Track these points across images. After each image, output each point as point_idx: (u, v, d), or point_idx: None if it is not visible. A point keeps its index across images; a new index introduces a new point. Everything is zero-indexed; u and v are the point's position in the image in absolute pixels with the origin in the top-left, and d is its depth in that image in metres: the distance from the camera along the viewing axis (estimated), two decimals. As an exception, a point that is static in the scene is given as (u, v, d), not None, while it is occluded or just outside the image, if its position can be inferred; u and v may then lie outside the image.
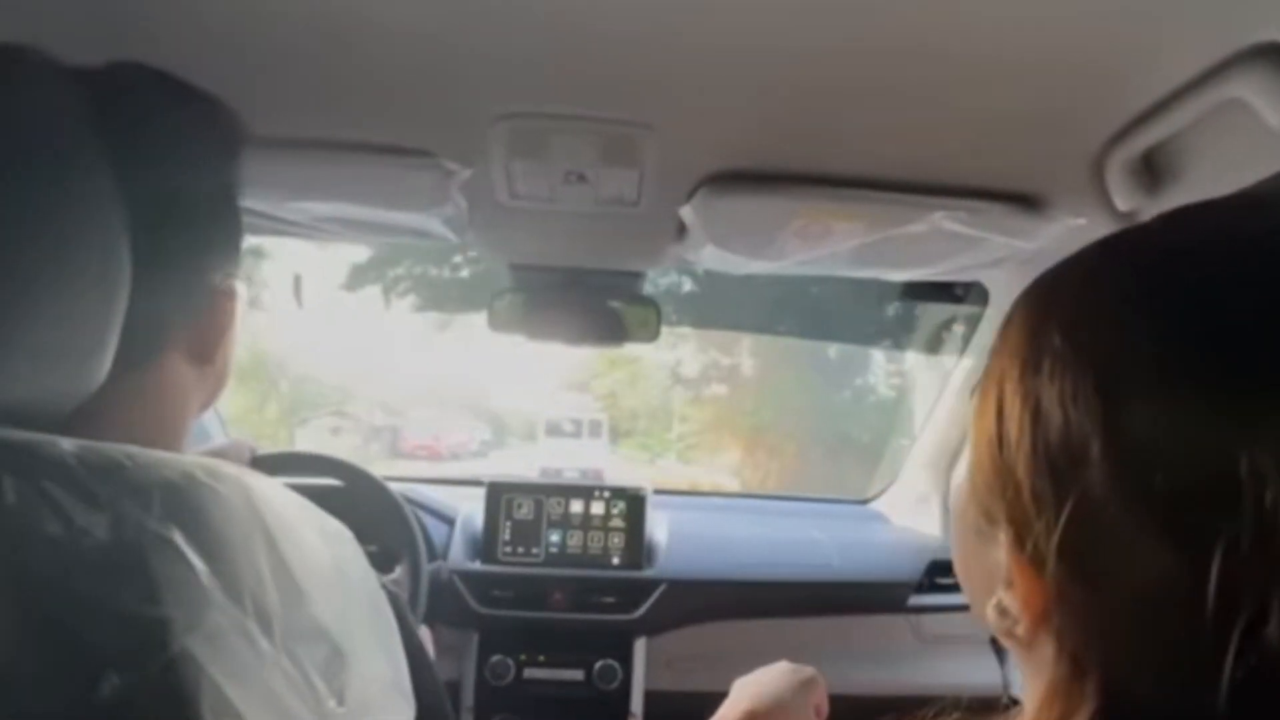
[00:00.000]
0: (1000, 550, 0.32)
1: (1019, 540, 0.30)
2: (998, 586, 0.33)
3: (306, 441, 8.21)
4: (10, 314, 0.33)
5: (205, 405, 0.50)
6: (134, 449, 0.34)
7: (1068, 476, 0.28)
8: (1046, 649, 0.31)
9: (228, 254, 0.48)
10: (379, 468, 1.24)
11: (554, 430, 10.48)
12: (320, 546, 0.38)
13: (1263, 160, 0.67)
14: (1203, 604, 0.24)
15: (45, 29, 0.61)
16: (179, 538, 0.31)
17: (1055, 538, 0.28)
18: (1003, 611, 0.32)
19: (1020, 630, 0.32)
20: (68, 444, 0.32)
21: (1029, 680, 0.33)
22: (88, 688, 0.29)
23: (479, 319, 1.21)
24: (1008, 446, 0.30)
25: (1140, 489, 0.26)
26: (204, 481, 0.34)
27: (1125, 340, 0.27)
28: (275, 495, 0.37)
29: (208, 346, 0.46)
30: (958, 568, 0.38)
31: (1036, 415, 0.29)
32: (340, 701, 0.35)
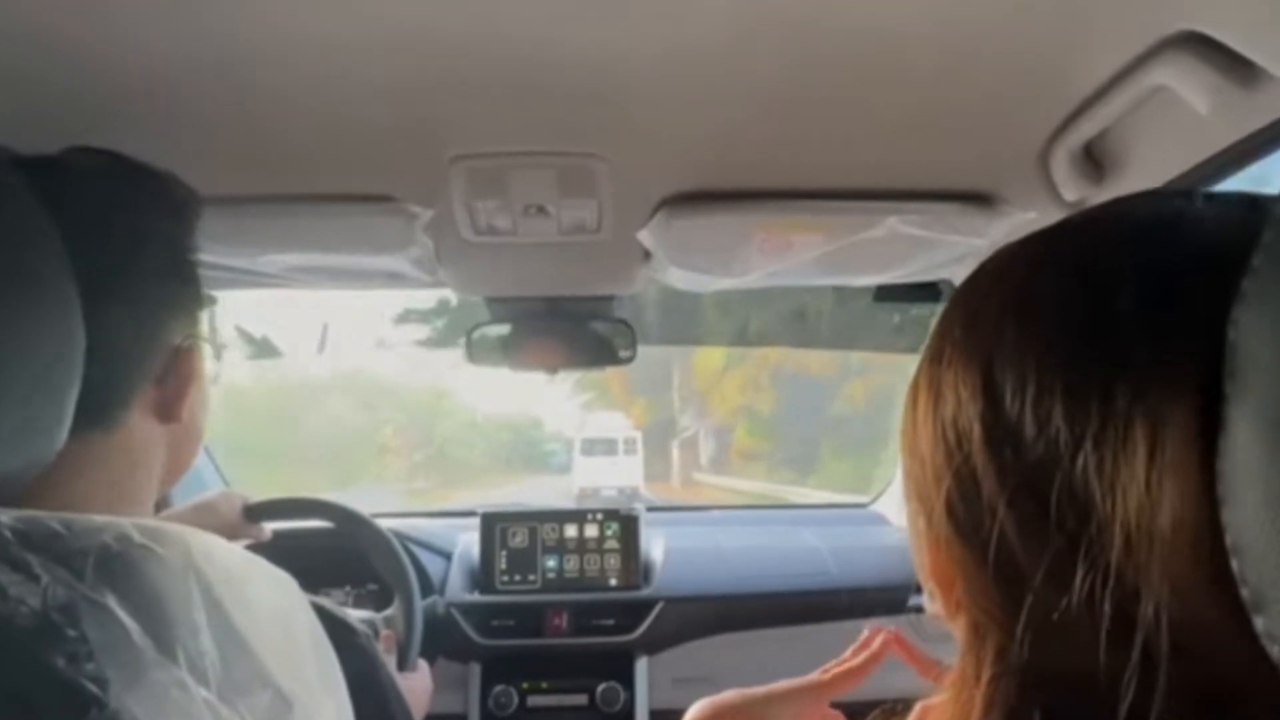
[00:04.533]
0: None
1: (926, 515, 0.33)
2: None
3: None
4: None
5: (181, 462, 0.52)
6: (72, 516, 0.35)
7: (955, 452, 0.31)
8: (961, 622, 0.33)
9: (187, 315, 0.50)
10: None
11: (590, 449, 10.34)
12: (265, 596, 0.39)
13: (1194, 146, 0.68)
14: (1049, 562, 0.27)
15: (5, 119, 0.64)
16: (111, 601, 0.32)
17: (941, 505, 0.31)
18: (932, 593, 0.35)
19: (940, 608, 0.34)
20: (4, 516, 0.34)
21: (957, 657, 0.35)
22: None
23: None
24: (918, 429, 0.34)
25: (1004, 462, 0.29)
26: (139, 543, 0.35)
27: (1001, 338, 0.30)
28: (216, 551, 0.38)
29: (173, 404, 0.49)
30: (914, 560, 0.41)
31: (938, 399, 0.32)
32: None
